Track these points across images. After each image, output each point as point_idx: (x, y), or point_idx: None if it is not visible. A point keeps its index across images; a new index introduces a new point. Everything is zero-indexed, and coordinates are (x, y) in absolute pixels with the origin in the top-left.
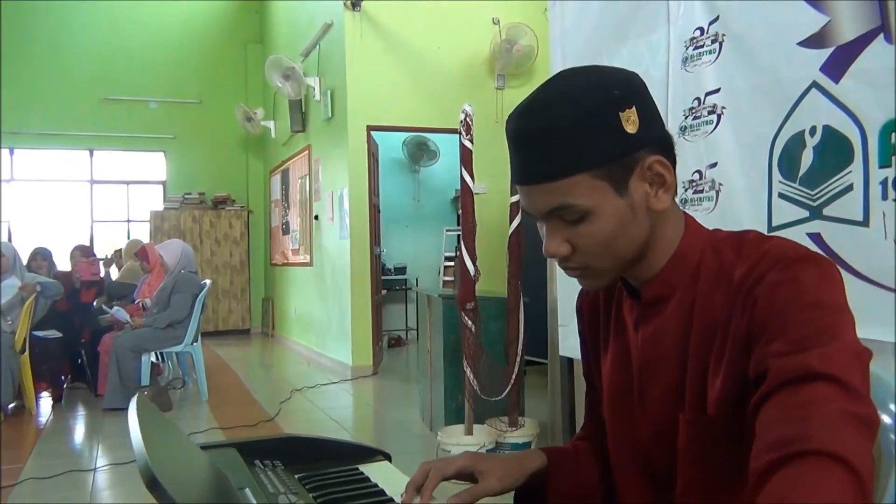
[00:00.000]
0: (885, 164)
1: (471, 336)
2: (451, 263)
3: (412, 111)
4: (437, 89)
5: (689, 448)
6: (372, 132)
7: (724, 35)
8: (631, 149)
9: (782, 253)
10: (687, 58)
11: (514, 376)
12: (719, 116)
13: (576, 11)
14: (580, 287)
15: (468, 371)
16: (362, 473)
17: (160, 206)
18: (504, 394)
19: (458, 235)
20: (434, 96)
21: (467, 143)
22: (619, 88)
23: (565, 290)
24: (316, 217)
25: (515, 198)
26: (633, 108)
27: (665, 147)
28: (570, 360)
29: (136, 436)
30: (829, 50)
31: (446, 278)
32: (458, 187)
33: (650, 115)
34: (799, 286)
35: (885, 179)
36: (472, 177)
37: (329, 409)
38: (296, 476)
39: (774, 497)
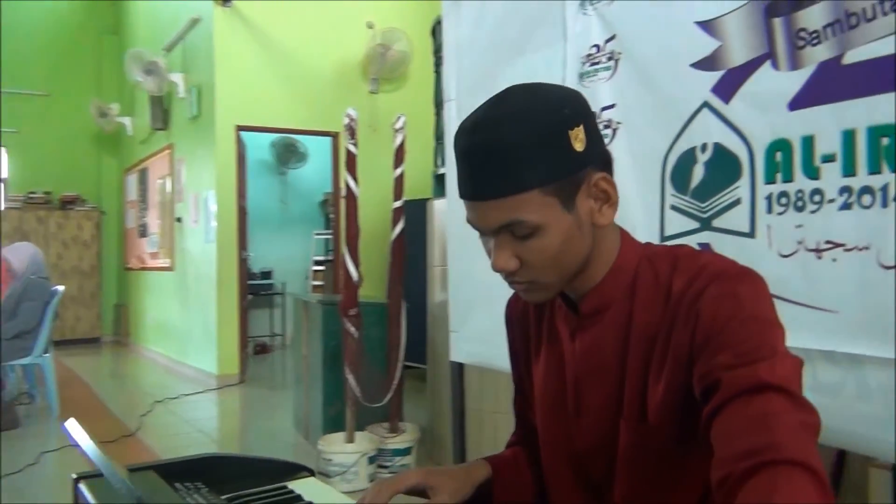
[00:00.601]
0: (770, 180)
1: (353, 342)
2: (321, 268)
3: (282, 112)
4: (309, 91)
5: (629, 456)
6: (240, 132)
7: (619, 53)
8: (579, 166)
9: (720, 267)
10: (583, 73)
11: (395, 382)
12: (615, 131)
13: (471, 23)
14: (480, 292)
15: (350, 378)
16: (293, 491)
17: (0, 206)
18: (386, 400)
19: (327, 239)
20: (306, 98)
21: (352, 148)
22: (569, 107)
23: (458, 296)
24: (178, 219)
25: (399, 203)
26: (581, 126)
27: (607, 164)
28: (461, 366)
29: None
30: (721, 73)
31: (315, 283)
32: (327, 190)
33: (595, 133)
34: (739, 301)
35: (770, 194)
36: (355, 181)
37: (195, 420)
38: (223, 497)
39: (753, 500)
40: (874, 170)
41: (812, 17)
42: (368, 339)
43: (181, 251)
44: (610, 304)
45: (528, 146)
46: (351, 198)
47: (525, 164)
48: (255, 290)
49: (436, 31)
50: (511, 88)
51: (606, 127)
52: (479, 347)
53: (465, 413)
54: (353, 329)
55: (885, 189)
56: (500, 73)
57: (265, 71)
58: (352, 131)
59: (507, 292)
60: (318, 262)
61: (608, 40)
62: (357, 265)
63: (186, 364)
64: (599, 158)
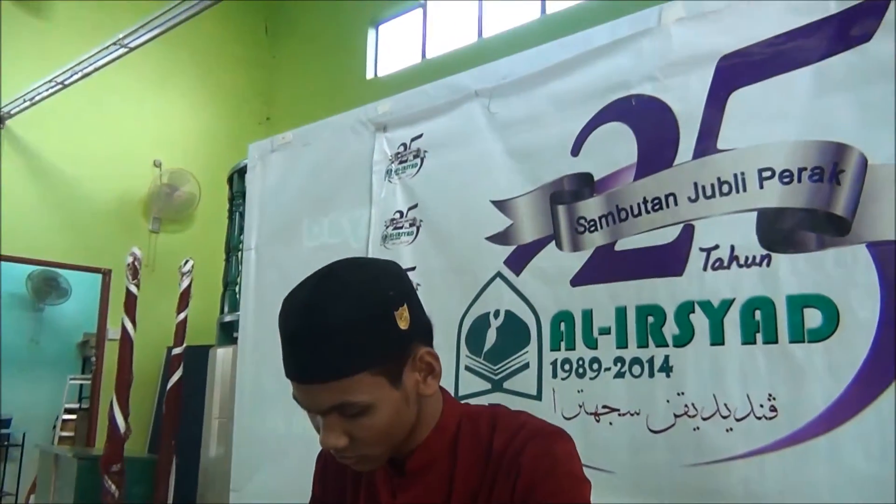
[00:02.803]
0: (555, 347)
1: (113, 502)
2: (72, 417)
3: (47, 242)
4: (81, 223)
5: None
6: None
7: (421, 220)
8: (405, 344)
9: (537, 427)
10: (386, 236)
11: None
12: None
13: (278, 175)
14: (268, 449)
15: None
16: None
17: None
18: None
19: (83, 385)
20: (77, 230)
21: (132, 288)
22: (393, 288)
23: (242, 452)
24: None
25: (179, 350)
26: (405, 305)
27: (429, 334)
28: None
29: None
30: (512, 248)
31: (64, 433)
32: (88, 331)
33: (418, 309)
34: (555, 459)
35: (555, 360)
36: (133, 324)
37: None
38: None
39: None
40: (642, 343)
41: (590, 208)
42: (130, 499)
43: None
44: (434, 463)
45: (356, 331)
46: (126, 341)
47: (353, 349)
48: None
49: (233, 179)
50: (334, 269)
51: None
52: None
53: None
54: (113, 488)
55: (651, 361)
56: (304, 228)
57: (32, 196)
58: (135, 271)
59: (300, 450)
60: (69, 410)
61: (411, 208)
62: (126, 416)
63: None
64: (423, 332)
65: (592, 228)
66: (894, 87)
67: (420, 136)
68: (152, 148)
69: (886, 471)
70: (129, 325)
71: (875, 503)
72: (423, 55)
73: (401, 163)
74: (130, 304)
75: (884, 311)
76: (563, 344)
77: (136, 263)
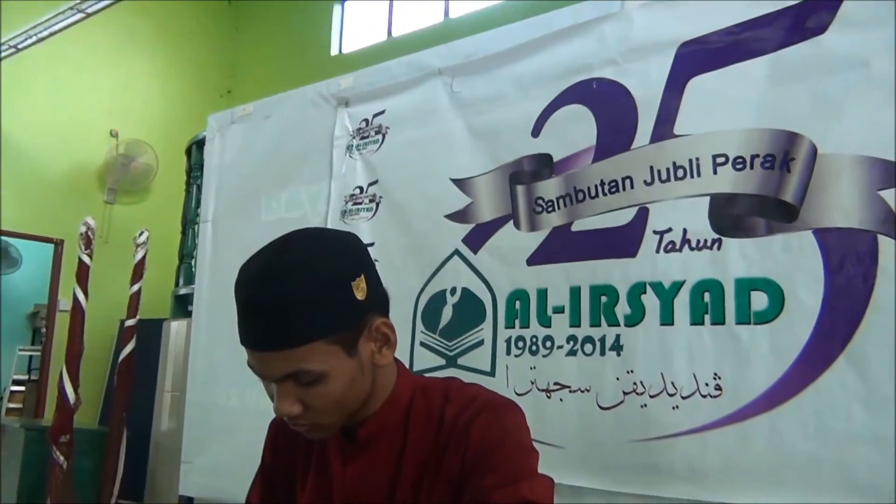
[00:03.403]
0: (510, 325)
1: (61, 474)
2: (20, 388)
3: None
4: (33, 191)
5: None
6: None
7: (381, 197)
8: (361, 314)
9: (488, 399)
10: (345, 211)
11: None
12: None
13: (237, 148)
14: (221, 422)
15: None
16: None
17: None
18: None
19: (32, 356)
20: (29, 198)
21: (85, 259)
22: (351, 258)
23: (194, 425)
24: None
25: (132, 322)
26: (363, 276)
27: (385, 305)
28: (191, 501)
29: None
30: (471, 226)
31: (12, 405)
32: (40, 301)
33: (375, 280)
34: (504, 430)
35: (510, 338)
36: (85, 294)
37: None
38: None
39: None
40: (595, 322)
41: (548, 189)
42: (78, 471)
43: None
44: (385, 432)
45: (313, 300)
46: (77, 312)
47: (309, 317)
48: None
49: (191, 150)
50: (293, 238)
51: None
52: (216, 481)
53: None
54: (62, 459)
55: (603, 340)
56: (262, 201)
57: None
58: (88, 241)
59: (252, 423)
60: (17, 382)
61: (371, 184)
62: (76, 387)
63: None
64: (379, 303)
65: (550, 209)
66: (846, 78)
67: (382, 112)
68: (109, 117)
69: (822, 450)
70: (80, 296)
71: (809, 480)
72: (389, 33)
73: (362, 138)
74: (83, 274)
75: (827, 296)
76: (517, 322)
77: (89, 233)
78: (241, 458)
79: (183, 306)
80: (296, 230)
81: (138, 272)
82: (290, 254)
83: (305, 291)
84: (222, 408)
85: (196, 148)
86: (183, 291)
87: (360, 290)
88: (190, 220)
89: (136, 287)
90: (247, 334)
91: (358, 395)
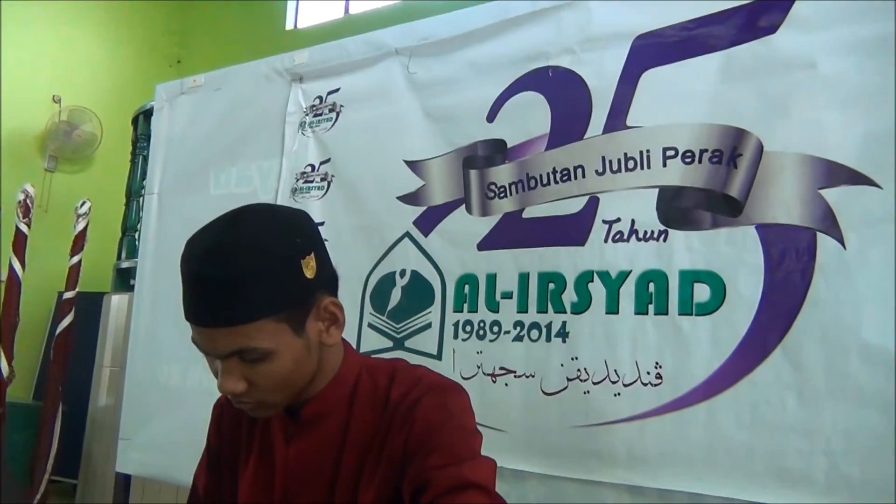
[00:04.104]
0: (458, 309)
1: None
2: None
3: None
4: None
5: None
6: None
7: (333, 176)
8: (310, 292)
9: (433, 381)
10: (296, 189)
11: (38, 496)
12: None
13: (185, 120)
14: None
15: None
16: None
17: None
18: None
19: None
20: None
21: (23, 227)
22: (301, 236)
23: (133, 401)
24: None
25: (71, 294)
26: (312, 254)
27: (334, 284)
28: (128, 479)
29: None
30: (422, 208)
31: None
32: None
33: (325, 258)
34: (448, 411)
35: (457, 322)
36: (22, 265)
37: None
38: None
39: None
40: (542, 309)
41: (501, 175)
42: (11, 446)
43: None
44: (330, 412)
45: (261, 277)
46: (13, 283)
47: (257, 295)
48: None
49: (138, 121)
50: (243, 213)
51: None
52: (154, 458)
53: None
54: None
55: (549, 326)
56: (211, 175)
57: None
58: (26, 209)
59: (193, 401)
60: None
61: (323, 162)
62: (10, 360)
63: None
64: (328, 282)
65: (502, 195)
66: (794, 78)
67: (337, 90)
68: (52, 82)
69: (755, 439)
70: (17, 266)
71: (743, 468)
72: (346, 10)
73: (315, 116)
74: (20, 243)
75: (766, 290)
76: (465, 306)
77: (27, 201)
78: (181, 435)
79: (125, 280)
80: (246, 205)
81: (78, 243)
82: (240, 230)
83: (254, 269)
84: (163, 385)
85: (143, 118)
86: (125, 265)
87: (309, 268)
88: (135, 192)
89: (76, 259)
90: (192, 310)
91: (304, 373)
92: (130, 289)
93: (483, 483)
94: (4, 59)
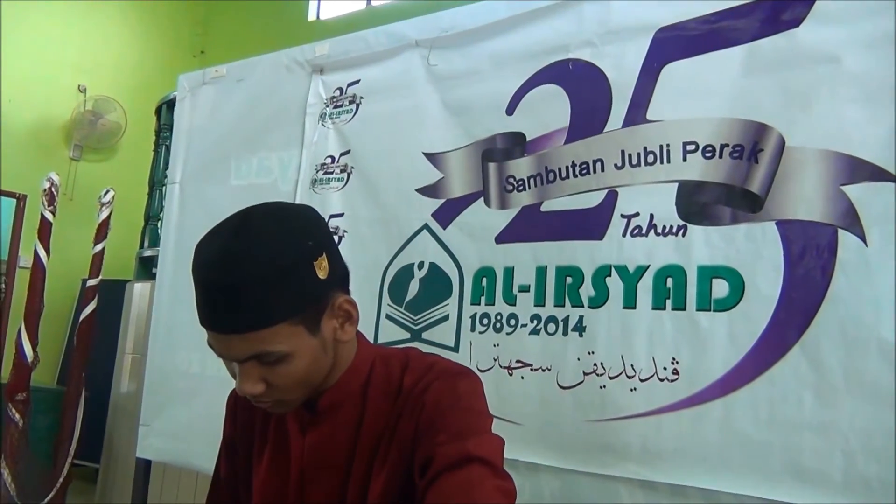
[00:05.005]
0: (475, 301)
1: (16, 432)
2: None
3: None
4: None
5: None
6: None
7: (352, 167)
8: (323, 293)
9: (445, 367)
10: (316, 180)
11: (61, 480)
12: (340, 238)
13: (207, 110)
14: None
15: (5, 472)
16: None
17: None
18: (48, 499)
19: None
20: None
21: (48, 215)
22: (312, 238)
23: (154, 387)
24: None
25: (94, 281)
26: (324, 255)
27: (346, 280)
28: (148, 464)
29: None
30: (441, 201)
31: None
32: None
33: (336, 256)
34: (458, 394)
35: (475, 314)
36: (47, 252)
37: None
38: None
39: None
40: (559, 303)
41: (519, 168)
42: (34, 430)
43: None
44: (345, 401)
45: (275, 283)
46: (38, 270)
47: (272, 301)
48: None
49: (161, 110)
50: (252, 215)
51: (333, 233)
52: (174, 444)
53: None
54: (17, 416)
55: (566, 320)
56: (232, 165)
57: None
58: (51, 197)
59: (211, 389)
60: None
61: (343, 153)
62: (35, 345)
63: None
64: (340, 279)
65: (521, 188)
66: (817, 72)
67: (357, 81)
68: (77, 72)
69: (772, 436)
70: (42, 253)
71: (758, 465)
72: (368, 2)
73: (336, 107)
74: (45, 231)
75: (785, 287)
76: (483, 299)
77: (52, 189)
78: (199, 422)
79: (147, 268)
80: (253, 207)
81: (102, 231)
82: (249, 236)
83: (267, 275)
84: (182, 372)
85: (166, 107)
86: (147, 253)
87: (322, 269)
88: (157, 181)
89: (99, 246)
90: (207, 317)
91: (321, 371)
92: (152, 277)
93: (487, 457)
94: (31, 49)
